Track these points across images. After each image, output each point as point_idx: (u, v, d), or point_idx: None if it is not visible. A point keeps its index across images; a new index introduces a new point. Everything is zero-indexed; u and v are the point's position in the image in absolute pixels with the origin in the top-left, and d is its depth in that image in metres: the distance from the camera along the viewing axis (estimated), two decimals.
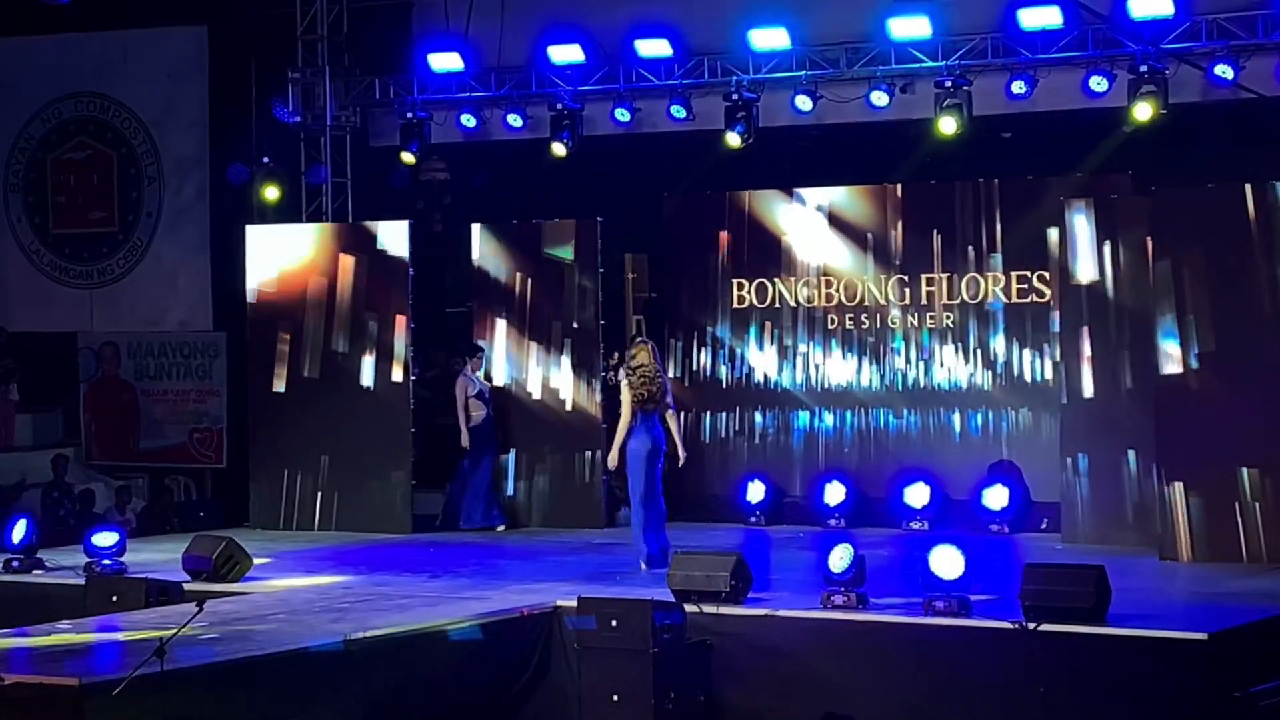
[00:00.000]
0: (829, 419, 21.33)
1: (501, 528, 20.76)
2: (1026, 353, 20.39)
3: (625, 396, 17.36)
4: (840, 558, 14.73)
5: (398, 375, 20.99)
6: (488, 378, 21.12)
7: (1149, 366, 18.11)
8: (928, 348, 20.87)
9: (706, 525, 20.40)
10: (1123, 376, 18.84)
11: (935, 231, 20.84)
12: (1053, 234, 19.61)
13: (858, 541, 15.24)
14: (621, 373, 17.56)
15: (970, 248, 20.68)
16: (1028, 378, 20.40)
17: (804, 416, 21.42)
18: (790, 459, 21.40)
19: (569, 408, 21.13)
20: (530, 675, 15.01)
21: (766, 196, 21.61)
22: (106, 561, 17.37)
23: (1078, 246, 19.08)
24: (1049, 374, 20.00)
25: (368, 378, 21.12)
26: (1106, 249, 18.92)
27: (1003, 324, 20.54)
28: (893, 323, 21.02)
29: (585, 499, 20.97)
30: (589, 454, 20.93)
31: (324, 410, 21.27)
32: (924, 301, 20.90)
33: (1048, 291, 20.02)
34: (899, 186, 21.11)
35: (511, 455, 21.18)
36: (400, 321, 21.02)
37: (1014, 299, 20.49)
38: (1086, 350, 18.97)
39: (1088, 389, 18.96)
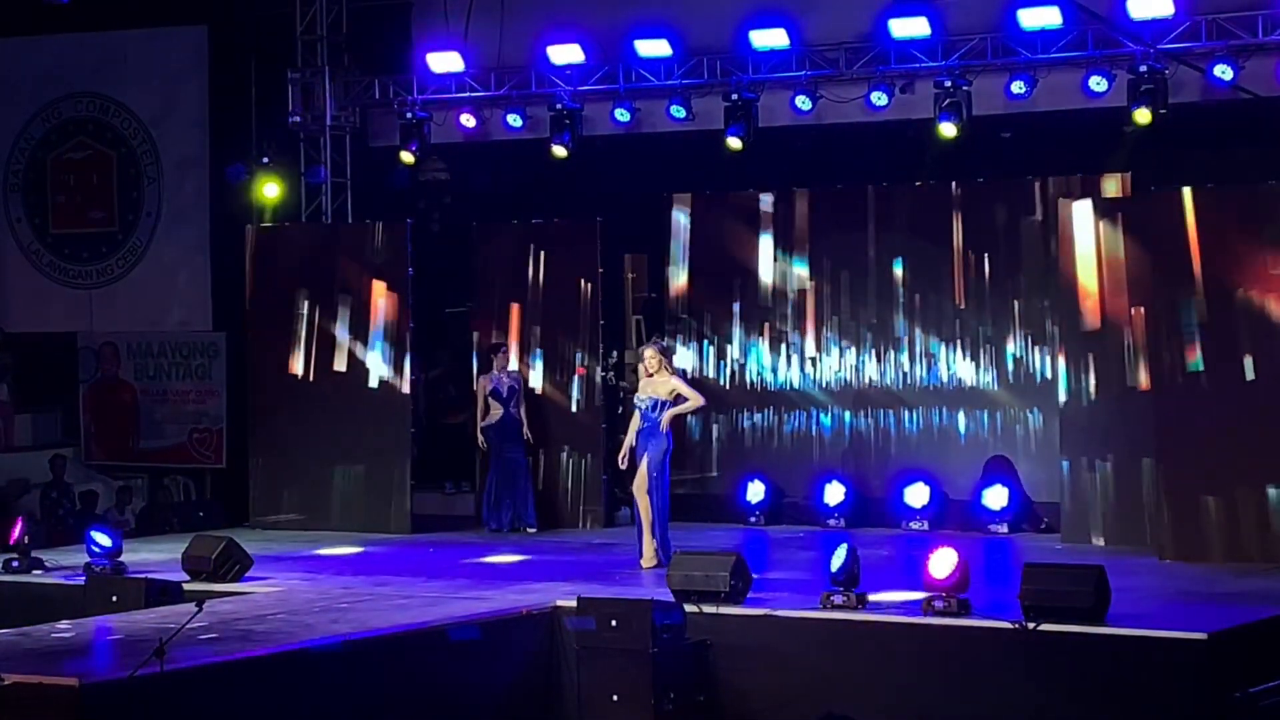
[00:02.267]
0: (828, 419, 21.33)
1: (532, 529, 20.68)
2: (1026, 353, 20.38)
3: (687, 389, 17.52)
4: (837, 557, 14.74)
5: (398, 375, 21.00)
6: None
7: (1149, 367, 18.14)
8: (928, 347, 20.86)
9: (706, 525, 20.40)
10: (1123, 378, 18.85)
11: (934, 231, 20.84)
12: (1053, 234, 19.62)
13: (857, 541, 15.25)
14: (668, 372, 17.53)
15: (970, 248, 20.68)
16: (1028, 378, 20.40)
17: (803, 416, 21.42)
18: (790, 459, 21.39)
19: (569, 408, 21.13)
20: (530, 675, 15.02)
21: (765, 196, 21.61)
22: (106, 563, 17.34)
23: (1078, 247, 19.10)
24: (1049, 374, 19.99)
25: (368, 377, 21.14)
26: (1106, 249, 18.95)
27: (1002, 324, 20.53)
28: (893, 322, 21.01)
29: (585, 499, 20.97)
30: (589, 455, 20.94)
31: (324, 410, 21.28)
32: (923, 301, 20.90)
33: (1046, 292, 19.99)
34: (898, 186, 21.11)
35: None
36: (400, 322, 21.03)
37: (1013, 299, 20.48)
38: (1088, 351, 18.99)
39: (1089, 390, 18.97)
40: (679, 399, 17.47)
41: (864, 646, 14.35)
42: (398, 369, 21.02)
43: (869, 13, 20.44)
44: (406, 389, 21.02)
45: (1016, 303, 20.46)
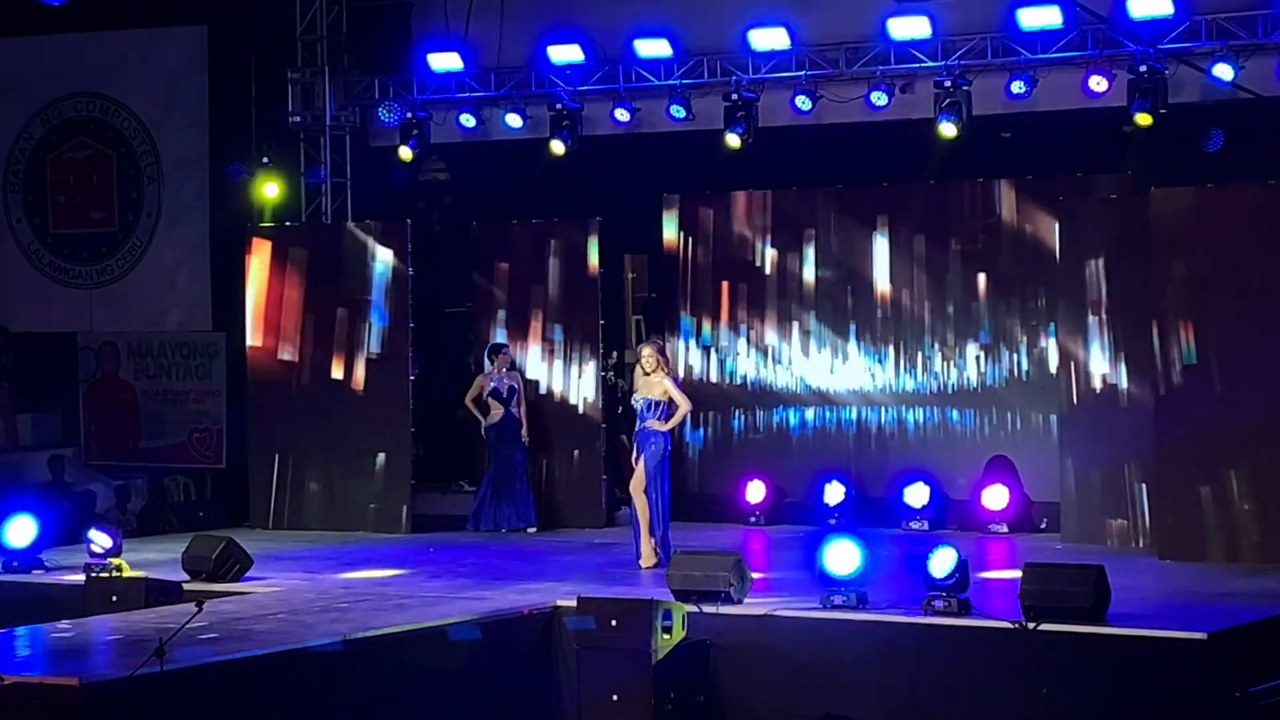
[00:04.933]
0: (829, 419, 21.32)
1: (532, 529, 20.70)
2: (1025, 353, 20.37)
3: (677, 393, 17.50)
4: (847, 559, 14.71)
5: (398, 375, 20.99)
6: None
7: (1149, 367, 18.14)
8: (928, 348, 20.87)
9: (706, 525, 20.40)
10: (1122, 377, 18.86)
11: (933, 231, 20.85)
12: (1053, 234, 19.63)
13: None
14: (663, 373, 17.58)
15: (969, 248, 20.69)
16: (1027, 378, 20.39)
17: (804, 416, 21.42)
18: (790, 459, 21.39)
19: (569, 408, 21.14)
20: (530, 675, 15.02)
21: (766, 196, 21.62)
22: (106, 562, 17.31)
23: (1077, 246, 19.11)
24: (1048, 374, 19.99)
25: (367, 377, 21.14)
26: (1106, 249, 18.95)
27: (1002, 324, 20.53)
28: (893, 322, 21.01)
29: (585, 499, 20.98)
30: (589, 454, 20.94)
31: (324, 410, 21.28)
32: (923, 301, 20.90)
33: (1046, 292, 20.00)
34: (899, 186, 21.12)
35: None
36: (401, 321, 21.03)
37: (1012, 299, 20.48)
38: (1087, 350, 19.00)
39: (1088, 389, 18.98)
40: (671, 402, 17.48)
41: (864, 646, 14.35)
42: (398, 369, 21.01)
43: (869, 13, 20.44)
44: (407, 389, 21.01)
45: (1017, 302, 20.45)
